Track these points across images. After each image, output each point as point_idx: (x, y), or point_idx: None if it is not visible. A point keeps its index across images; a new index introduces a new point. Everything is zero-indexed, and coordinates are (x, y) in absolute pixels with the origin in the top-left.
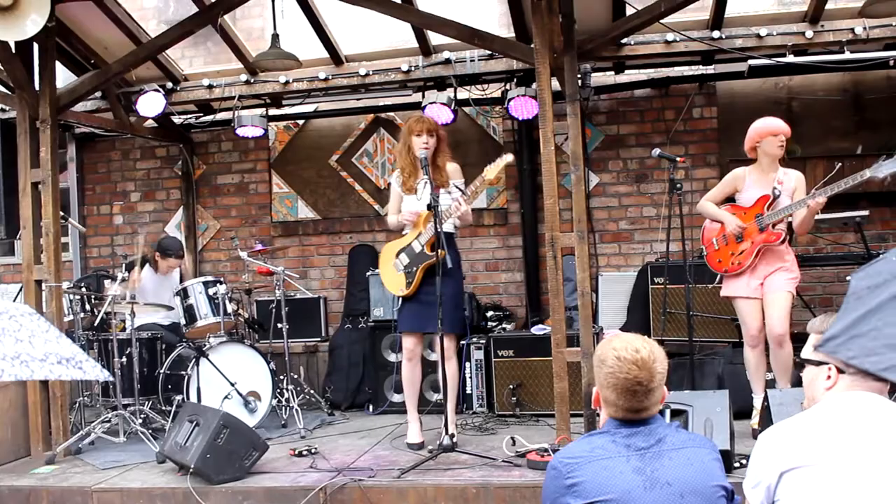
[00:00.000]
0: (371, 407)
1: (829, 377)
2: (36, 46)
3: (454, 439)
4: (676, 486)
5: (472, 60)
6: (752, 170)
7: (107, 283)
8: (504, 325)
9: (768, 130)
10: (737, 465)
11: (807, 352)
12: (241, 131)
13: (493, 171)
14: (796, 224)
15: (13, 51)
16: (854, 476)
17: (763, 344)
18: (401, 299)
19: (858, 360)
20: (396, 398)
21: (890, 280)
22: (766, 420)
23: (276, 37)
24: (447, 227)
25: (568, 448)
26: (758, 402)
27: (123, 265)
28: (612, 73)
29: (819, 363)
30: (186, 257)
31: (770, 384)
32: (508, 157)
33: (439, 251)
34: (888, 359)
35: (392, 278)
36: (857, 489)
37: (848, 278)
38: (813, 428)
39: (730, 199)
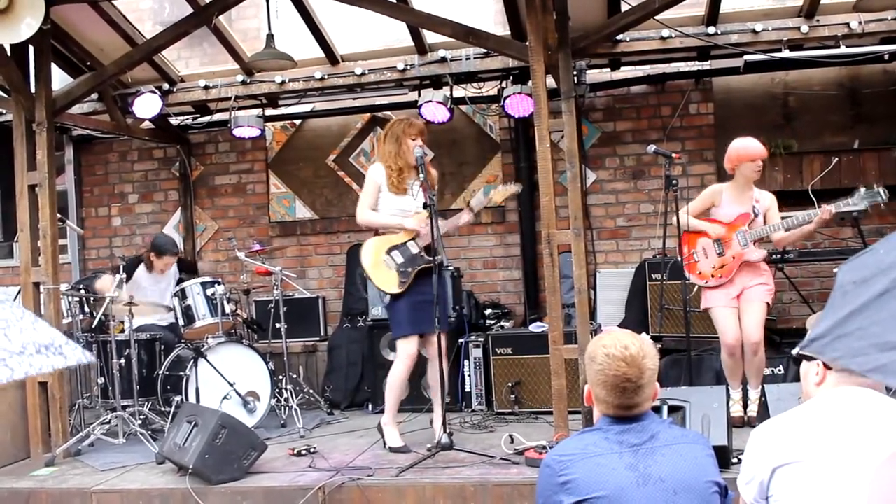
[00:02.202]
0: (370, 406)
1: (817, 373)
2: (31, 49)
3: (452, 437)
4: (669, 483)
5: (467, 59)
6: (728, 187)
7: (103, 277)
8: (502, 323)
9: (747, 156)
10: (734, 460)
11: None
12: (237, 132)
13: (500, 195)
14: (776, 240)
15: (8, 54)
16: (844, 471)
17: (739, 351)
18: (390, 300)
19: (844, 360)
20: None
21: (877, 275)
22: (763, 415)
23: (271, 37)
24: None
25: (561, 445)
26: (735, 395)
27: (121, 266)
28: (608, 69)
29: (811, 358)
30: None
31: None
32: (517, 188)
33: (437, 256)
34: (874, 359)
35: (383, 275)
36: (847, 484)
37: (835, 271)
38: (804, 424)
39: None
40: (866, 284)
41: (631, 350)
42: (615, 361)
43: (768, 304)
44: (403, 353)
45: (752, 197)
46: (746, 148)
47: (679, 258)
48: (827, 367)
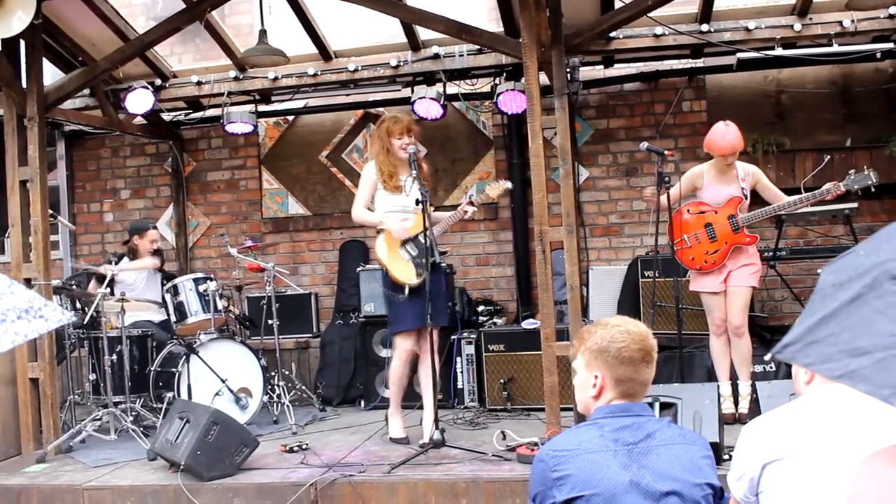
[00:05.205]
0: (362, 402)
1: (805, 372)
2: (22, 44)
3: (444, 433)
4: (662, 483)
5: (460, 55)
6: (710, 167)
7: (92, 283)
8: (495, 320)
9: (720, 152)
10: (726, 457)
11: None
12: (230, 128)
13: (495, 191)
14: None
15: None
16: (834, 466)
17: (727, 334)
18: (392, 296)
19: (815, 366)
20: (388, 393)
21: (853, 279)
22: (755, 412)
23: (263, 33)
24: (437, 227)
25: (555, 441)
26: (724, 390)
27: (113, 262)
28: (601, 66)
29: None
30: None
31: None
32: (508, 184)
33: (431, 253)
34: (843, 365)
35: (401, 267)
36: (836, 479)
37: (819, 271)
38: (794, 420)
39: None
40: (843, 288)
41: (640, 326)
42: (634, 335)
43: (754, 286)
44: (401, 348)
45: (738, 176)
46: (721, 146)
47: (670, 244)
48: None
